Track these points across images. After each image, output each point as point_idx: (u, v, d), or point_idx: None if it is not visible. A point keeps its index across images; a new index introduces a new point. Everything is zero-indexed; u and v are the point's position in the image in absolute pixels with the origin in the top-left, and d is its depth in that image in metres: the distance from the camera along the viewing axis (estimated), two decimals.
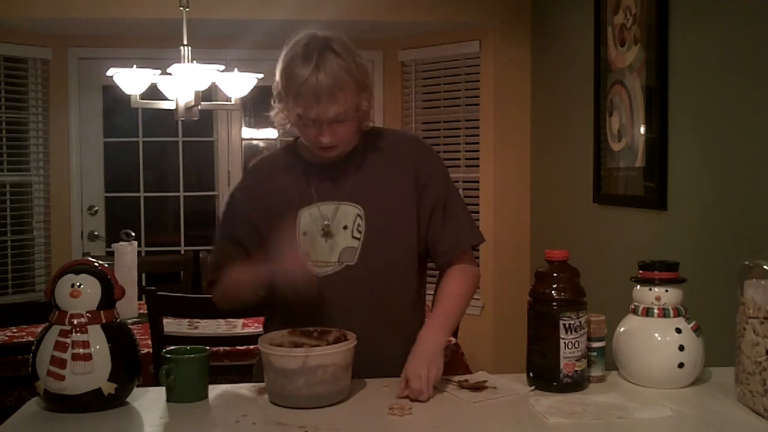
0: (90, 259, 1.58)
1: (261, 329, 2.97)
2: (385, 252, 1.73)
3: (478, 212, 4.49)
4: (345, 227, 1.73)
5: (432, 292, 1.84)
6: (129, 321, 3.00)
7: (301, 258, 1.66)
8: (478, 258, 4.44)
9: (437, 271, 1.85)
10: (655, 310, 1.60)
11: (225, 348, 2.69)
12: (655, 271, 1.62)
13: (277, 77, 1.69)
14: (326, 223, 1.73)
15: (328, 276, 1.72)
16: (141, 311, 3.13)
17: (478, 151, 4.46)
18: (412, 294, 1.81)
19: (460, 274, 1.80)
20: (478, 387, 1.60)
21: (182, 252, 4.74)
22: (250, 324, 3.10)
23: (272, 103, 1.74)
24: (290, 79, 1.63)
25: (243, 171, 4.84)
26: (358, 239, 1.72)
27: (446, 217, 1.78)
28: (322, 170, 1.77)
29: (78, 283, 1.47)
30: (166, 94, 3.46)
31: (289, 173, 1.81)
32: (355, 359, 1.57)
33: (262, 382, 1.60)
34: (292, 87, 1.63)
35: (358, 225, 1.72)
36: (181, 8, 3.36)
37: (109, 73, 3.38)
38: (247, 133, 4.95)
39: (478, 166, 4.46)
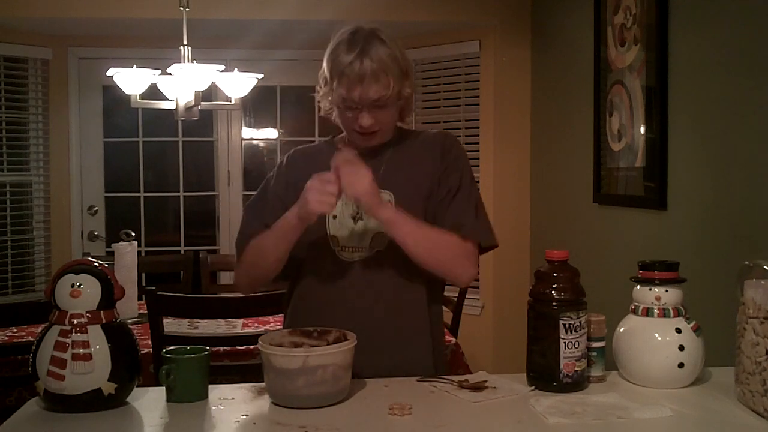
0: (90, 259, 1.58)
1: (261, 329, 2.98)
2: None
3: None
4: None
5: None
6: (129, 321, 3.01)
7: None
8: None
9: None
10: (655, 310, 1.60)
11: (225, 348, 2.69)
12: (655, 271, 1.62)
13: (324, 63, 1.73)
14: (355, 206, 1.74)
15: (359, 261, 1.75)
16: (141, 311, 3.13)
17: (478, 151, 4.46)
18: (431, 284, 1.83)
19: (454, 234, 1.75)
20: (478, 387, 1.60)
21: (182, 252, 4.74)
22: (250, 324, 3.10)
23: (317, 89, 1.77)
24: (335, 63, 1.68)
25: (237, 166, 4.85)
26: None
27: (455, 199, 1.78)
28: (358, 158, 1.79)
29: (78, 283, 1.47)
30: (166, 94, 3.46)
31: (323, 161, 1.81)
32: (380, 345, 1.61)
33: None
34: (336, 69, 1.68)
35: None
36: (181, 8, 3.36)
37: (109, 73, 3.38)
38: (247, 133, 4.96)
39: (478, 166, 4.46)
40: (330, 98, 1.74)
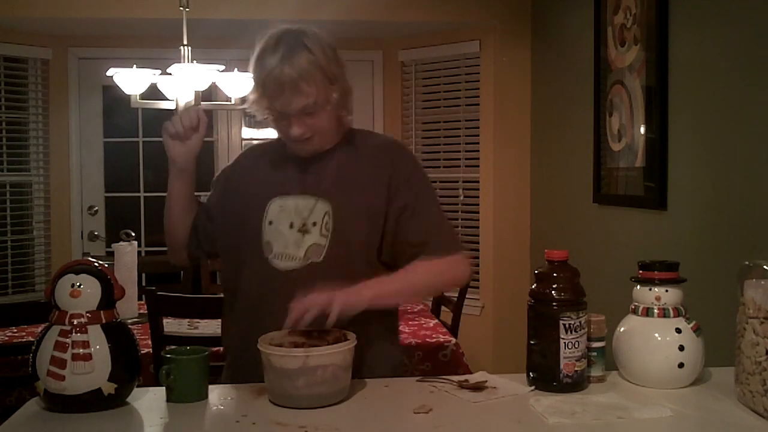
0: (90, 259, 1.58)
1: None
2: (350, 253, 1.69)
3: (478, 212, 4.49)
4: (314, 224, 1.70)
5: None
6: (129, 321, 3.00)
7: None
8: (477, 258, 4.44)
9: None
10: (655, 310, 1.60)
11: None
12: (655, 271, 1.62)
13: (250, 69, 1.72)
14: (291, 213, 1.71)
15: (293, 270, 1.69)
16: (141, 311, 3.13)
17: (478, 151, 4.46)
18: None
19: (435, 260, 1.71)
20: (478, 387, 1.60)
21: None
22: None
23: (248, 96, 1.76)
24: (258, 70, 1.68)
25: None
26: (326, 237, 1.69)
27: (415, 218, 1.72)
28: (301, 164, 1.77)
29: (78, 283, 1.47)
30: (166, 94, 3.46)
31: (272, 162, 1.82)
32: None
33: (230, 383, 1.63)
34: (259, 78, 1.67)
35: (327, 223, 1.69)
36: (181, 8, 3.36)
37: (109, 73, 3.38)
38: (247, 133, 4.96)
39: (478, 166, 4.47)
40: (258, 105, 1.72)
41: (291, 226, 1.71)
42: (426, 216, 1.74)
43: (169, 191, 1.84)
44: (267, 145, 1.91)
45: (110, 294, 1.50)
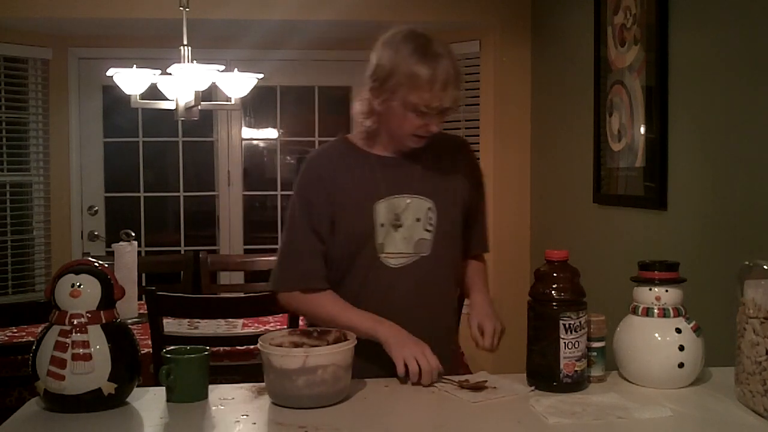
0: (90, 259, 1.58)
1: (261, 329, 2.98)
2: (451, 244, 1.87)
3: None
4: (417, 219, 1.81)
5: None
6: (129, 321, 3.01)
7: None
8: None
9: None
10: (655, 310, 1.60)
11: (225, 348, 2.69)
12: (655, 271, 1.63)
13: (387, 65, 1.71)
14: (396, 213, 1.79)
15: (404, 266, 1.80)
16: (141, 311, 3.13)
17: (478, 151, 4.46)
18: (457, 286, 1.97)
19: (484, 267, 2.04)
20: (478, 387, 1.60)
21: (182, 252, 4.74)
22: (250, 324, 3.10)
23: (370, 89, 1.75)
24: (414, 69, 1.68)
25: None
26: (430, 231, 1.81)
27: (478, 216, 1.98)
28: (387, 164, 1.84)
29: (78, 283, 1.47)
30: (166, 94, 3.46)
31: (354, 167, 1.83)
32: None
33: None
34: (415, 76, 1.68)
35: (430, 218, 1.81)
36: (181, 8, 3.36)
37: (109, 73, 3.38)
38: (247, 133, 4.96)
39: None
40: (382, 100, 1.73)
41: (399, 225, 1.80)
42: (483, 217, 2.01)
43: (346, 327, 1.68)
44: (334, 154, 1.87)
45: (110, 294, 1.50)
